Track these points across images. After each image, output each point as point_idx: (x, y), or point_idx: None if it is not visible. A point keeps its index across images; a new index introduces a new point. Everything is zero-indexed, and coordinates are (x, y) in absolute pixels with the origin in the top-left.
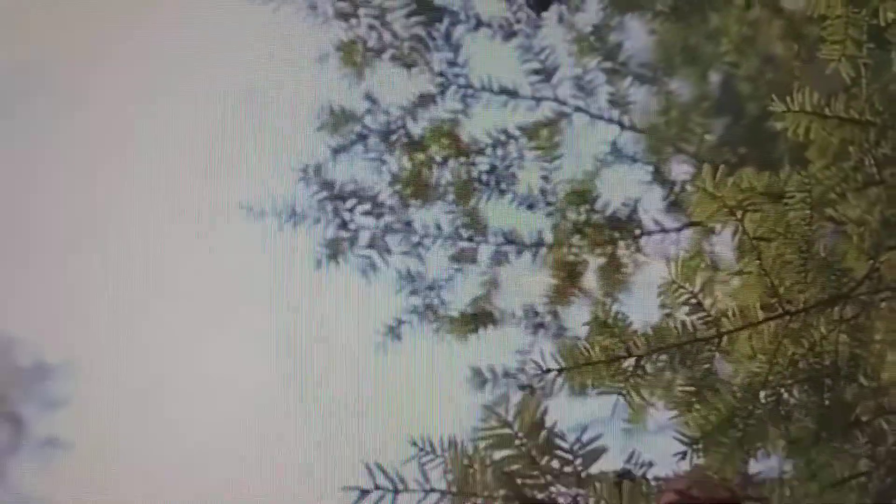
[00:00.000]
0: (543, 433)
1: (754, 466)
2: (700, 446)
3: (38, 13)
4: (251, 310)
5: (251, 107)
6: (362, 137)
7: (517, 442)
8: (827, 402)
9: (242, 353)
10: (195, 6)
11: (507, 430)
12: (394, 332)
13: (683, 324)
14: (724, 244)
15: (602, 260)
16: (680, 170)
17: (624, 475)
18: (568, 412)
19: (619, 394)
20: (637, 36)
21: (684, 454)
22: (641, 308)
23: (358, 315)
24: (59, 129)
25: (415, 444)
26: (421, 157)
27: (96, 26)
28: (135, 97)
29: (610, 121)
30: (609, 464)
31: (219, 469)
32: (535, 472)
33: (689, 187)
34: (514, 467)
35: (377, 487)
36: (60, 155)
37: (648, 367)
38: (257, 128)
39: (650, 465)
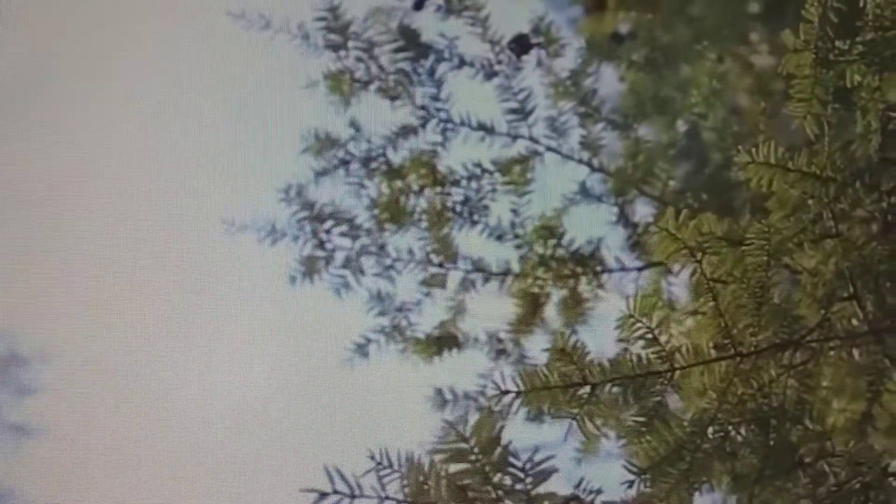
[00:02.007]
0: (498, 450)
1: (699, 500)
2: (648, 476)
3: (35, 25)
4: (224, 318)
5: (240, 126)
6: (344, 163)
7: (472, 457)
8: (772, 442)
9: (213, 355)
10: (193, 27)
11: (463, 445)
12: (362, 349)
13: (639, 357)
14: (681, 285)
15: (564, 293)
16: (643, 212)
17: (572, 499)
18: (523, 435)
19: (573, 419)
20: (610, 83)
21: (632, 483)
22: (599, 340)
23: (328, 331)
24: (50, 131)
25: (373, 457)
26: (399, 184)
27: (92, 40)
28: (127, 107)
29: (580, 161)
30: (559, 487)
31: (185, 464)
32: (487, 488)
33: (651, 229)
34: (468, 481)
35: (335, 492)
36: (46, 154)
37: (603, 396)
38: (244, 147)
39: (598, 491)
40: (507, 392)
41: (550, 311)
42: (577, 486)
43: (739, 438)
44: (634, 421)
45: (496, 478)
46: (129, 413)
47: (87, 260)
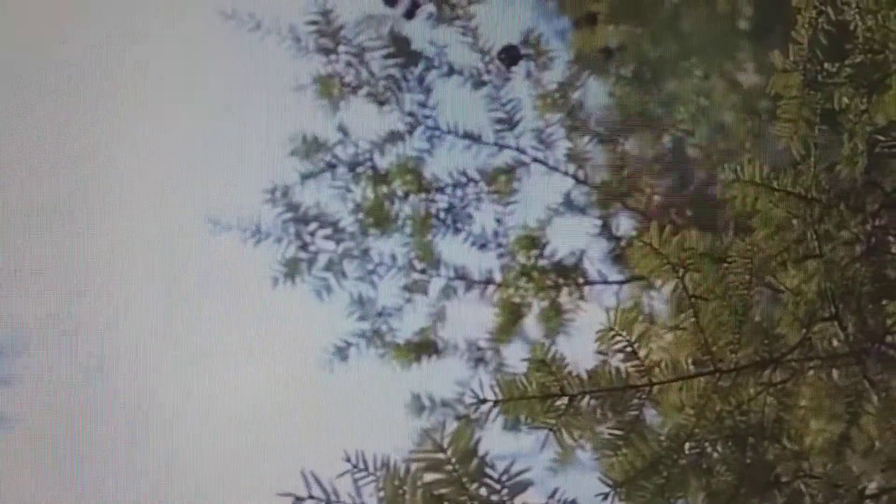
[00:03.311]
0: (475, 461)
1: None
2: (623, 490)
3: (23, 20)
4: (205, 316)
5: (228, 126)
6: (331, 166)
7: (448, 467)
8: (749, 460)
9: (191, 352)
10: (183, 25)
11: (440, 455)
12: (341, 353)
13: (617, 370)
14: (662, 300)
15: (545, 303)
16: (626, 225)
17: None
18: (500, 445)
19: (550, 429)
20: (598, 96)
21: (607, 495)
22: (579, 352)
23: (308, 334)
24: (36, 126)
25: (349, 460)
26: (384, 189)
27: (79, 38)
28: (114, 104)
29: (565, 174)
30: (533, 497)
31: (160, 462)
32: (463, 498)
33: (634, 243)
34: (444, 491)
35: (311, 496)
36: (29, 147)
37: (580, 408)
38: (231, 147)
39: (573, 503)
40: (484, 401)
41: (531, 322)
42: (552, 496)
43: (716, 455)
44: (611, 434)
45: (472, 488)
46: (106, 408)
47: (69, 253)
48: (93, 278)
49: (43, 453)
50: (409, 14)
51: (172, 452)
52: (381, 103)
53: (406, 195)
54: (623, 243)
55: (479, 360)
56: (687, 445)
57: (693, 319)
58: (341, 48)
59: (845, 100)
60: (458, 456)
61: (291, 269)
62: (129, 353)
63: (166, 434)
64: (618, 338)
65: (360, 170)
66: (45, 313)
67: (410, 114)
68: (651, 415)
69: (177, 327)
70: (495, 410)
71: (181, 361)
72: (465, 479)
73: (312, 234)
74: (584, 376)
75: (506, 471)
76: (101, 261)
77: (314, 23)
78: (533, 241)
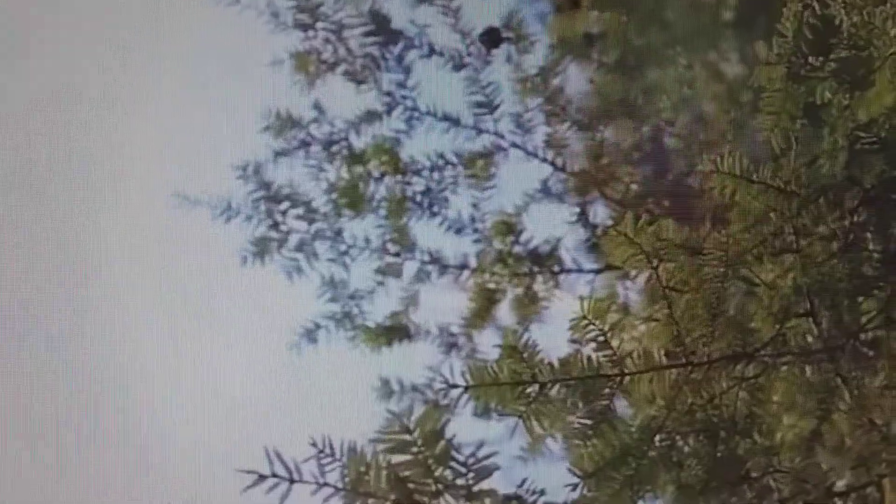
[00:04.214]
0: (441, 443)
1: None
2: (592, 480)
3: None
4: (171, 293)
5: (200, 100)
6: (305, 144)
7: (415, 449)
8: (719, 454)
9: (155, 328)
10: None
11: (406, 437)
12: (310, 334)
13: (589, 359)
14: (637, 290)
15: (520, 290)
16: (603, 214)
17: (514, 499)
18: (470, 432)
19: (520, 417)
20: (578, 83)
21: (575, 486)
22: (551, 340)
23: (277, 314)
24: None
25: (314, 444)
26: (359, 170)
27: (48, 9)
28: (85, 77)
29: (543, 160)
30: (502, 486)
31: (122, 440)
32: (428, 481)
33: (609, 232)
34: (408, 473)
35: (274, 475)
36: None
37: (551, 396)
38: (203, 121)
39: (542, 493)
40: (455, 386)
41: (504, 308)
42: (520, 485)
43: (687, 448)
44: (581, 423)
45: (438, 471)
46: (66, 386)
47: (33, 227)
48: (59, 257)
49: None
50: None
51: (136, 430)
52: (359, 82)
53: (381, 176)
54: (599, 232)
55: (452, 346)
56: (657, 437)
57: (666, 311)
58: (319, 24)
59: (828, 94)
60: (424, 438)
61: (261, 249)
62: (91, 331)
63: (129, 412)
64: (591, 327)
65: (335, 149)
66: (9, 290)
67: (388, 94)
68: (622, 406)
69: (141, 305)
70: (465, 396)
71: (145, 339)
72: (430, 462)
73: (284, 213)
74: (556, 364)
75: (472, 455)
76: (67, 237)
77: None
78: (509, 227)
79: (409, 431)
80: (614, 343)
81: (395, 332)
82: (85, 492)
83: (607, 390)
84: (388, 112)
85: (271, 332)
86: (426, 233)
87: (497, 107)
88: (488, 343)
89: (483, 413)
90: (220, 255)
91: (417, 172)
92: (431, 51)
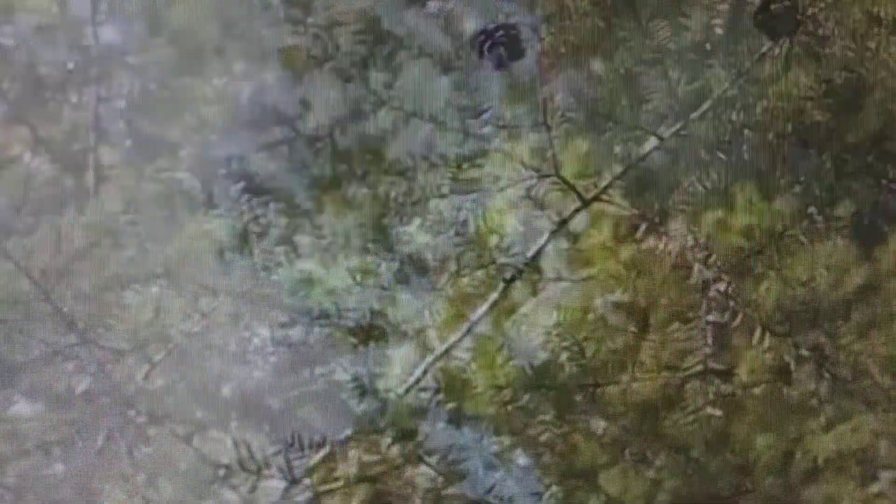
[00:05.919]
0: (412, 445)
1: None
2: (559, 489)
3: None
4: (148, 283)
5: (186, 90)
6: (290, 139)
7: (385, 450)
8: (691, 471)
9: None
10: None
11: (377, 437)
12: (285, 329)
13: (563, 367)
14: (615, 301)
15: (497, 296)
16: (585, 223)
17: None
18: (440, 435)
19: (491, 423)
20: (568, 91)
21: (541, 495)
22: (527, 347)
23: (252, 309)
24: None
25: (284, 439)
26: (343, 167)
27: None
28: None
29: (528, 167)
30: (470, 491)
31: (93, 427)
32: (399, 483)
33: (591, 242)
34: (378, 472)
35: (242, 468)
36: None
37: (524, 403)
38: (189, 111)
39: (510, 500)
40: (427, 389)
41: (481, 313)
42: (489, 491)
43: (658, 463)
44: (551, 432)
45: (407, 472)
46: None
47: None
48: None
49: None
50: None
51: (105, 417)
52: (347, 80)
53: (365, 175)
54: (580, 242)
55: (426, 349)
56: (628, 451)
57: (643, 323)
58: (310, 20)
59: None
60: (395, 439)
61: (241, 242)
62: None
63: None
64: (566, 336)
65: (319, 145)
66: None
67: (375, 93)
68: (593, 416)
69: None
70: (438, 399)
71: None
72: (400, 463)
73: (265, 206)
74: (530, 372)
75: (443, 458)
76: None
77: None
78: (490, 232)
79: (380, 432)
80: (589, 353)
81: (371, 331)
82: None
83: (580, 399)
84: (375, 111)
85: (246, 326)
86: (407, 234)
87: (484, 111)
88: (463, 347)
89: (455, 417)
90: (199, 246)
91: (401, 173)
92: (421, 52)
